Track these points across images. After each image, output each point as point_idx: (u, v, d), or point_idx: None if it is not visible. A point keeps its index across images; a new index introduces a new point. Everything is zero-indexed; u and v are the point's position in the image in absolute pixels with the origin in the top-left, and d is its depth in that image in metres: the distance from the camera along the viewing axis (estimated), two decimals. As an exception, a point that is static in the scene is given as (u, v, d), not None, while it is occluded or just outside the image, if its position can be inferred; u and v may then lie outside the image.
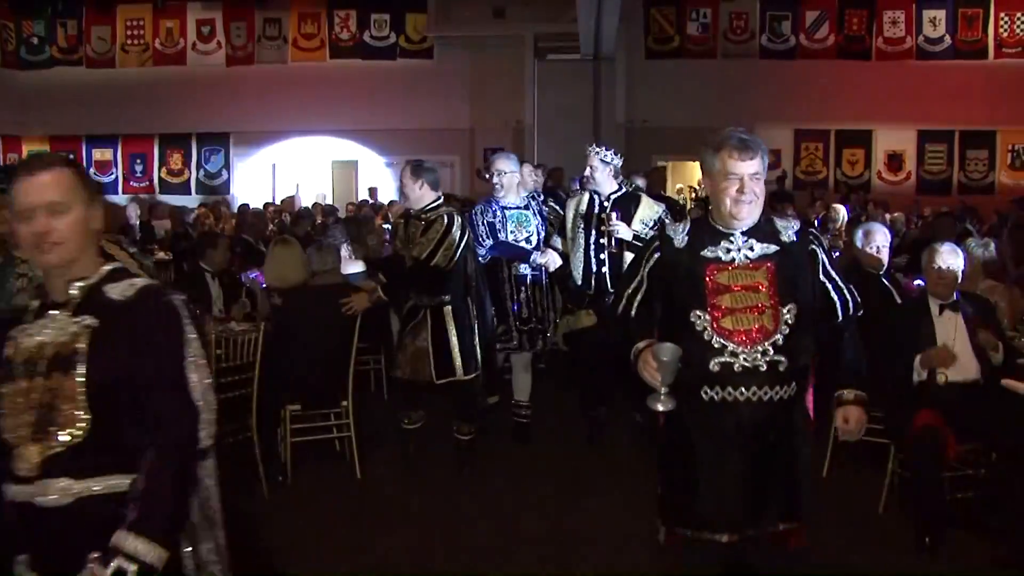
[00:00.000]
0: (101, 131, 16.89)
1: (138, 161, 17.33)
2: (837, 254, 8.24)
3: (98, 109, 16.43)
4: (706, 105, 15.11)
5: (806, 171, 16.12)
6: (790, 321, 2.85)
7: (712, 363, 2.83)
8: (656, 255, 3.02)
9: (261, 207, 12.80)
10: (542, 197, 6.41)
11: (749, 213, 2.89)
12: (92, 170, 16.94)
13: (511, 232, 5.70)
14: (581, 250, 5.44)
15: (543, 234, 5.81)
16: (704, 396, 2.86)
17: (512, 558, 4.25)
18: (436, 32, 16.08)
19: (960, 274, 4.59)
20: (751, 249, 2.91)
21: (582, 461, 5.53)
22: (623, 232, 5.25)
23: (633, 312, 3.06)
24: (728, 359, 2.83)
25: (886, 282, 5.34)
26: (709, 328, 2.85)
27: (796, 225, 3.01)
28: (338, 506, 4.83)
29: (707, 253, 2.92)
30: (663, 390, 2.74)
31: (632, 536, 4.45)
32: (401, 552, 4.29)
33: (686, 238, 2.98)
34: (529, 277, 5.78)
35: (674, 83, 15.48)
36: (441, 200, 5.23)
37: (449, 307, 5.11)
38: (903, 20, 15.48)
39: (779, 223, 3.01)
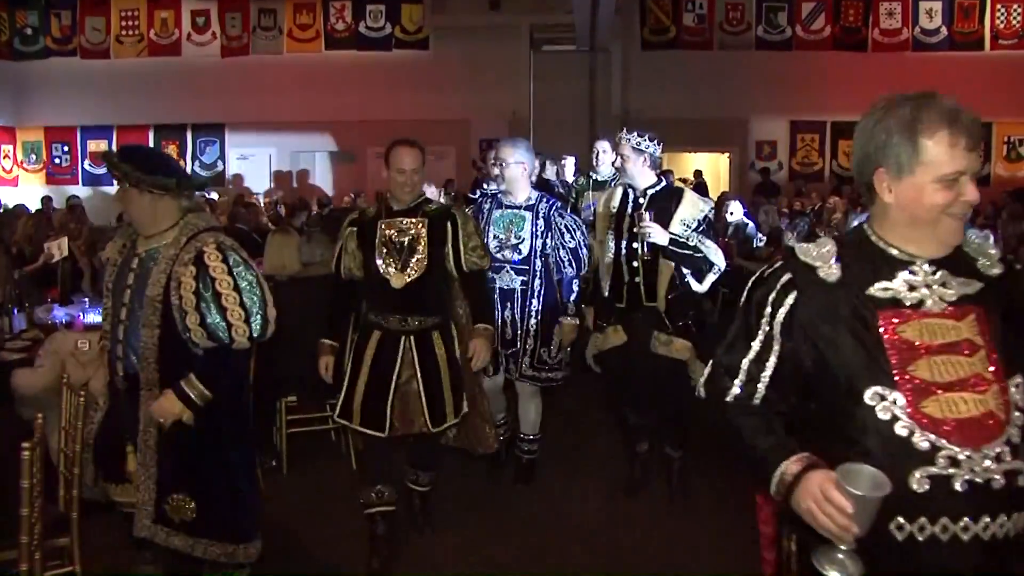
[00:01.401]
0: (96, 121, 16.84)
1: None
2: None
3: (93, 99, 16.38)
4: (702, 96, 15.14)
5: (802, 163, 16.15)
6: (1021, 403, 1.78)
7: (914, 478, 1.72)
8: (791, 296, 1.88)
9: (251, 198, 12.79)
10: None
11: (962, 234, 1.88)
12: (87, 161, 16.93)
13: (495, 235, 4.79)
14: (611, 255, 4.57)
15: (544, 244, 4.78)
16: (896, 533, 1.73)
17: (507, 548, 4.27)
18: (431, 23, 16.05)
19: None
20: (944, 286, 1.83)
21: (580, 451, 5.54)
22: (657, 236, 4.32)
23: (759, 396, 1.92)
24: (944, 471, 1.71)
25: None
26: (905, 418, 1.74)
27: (997, 248, 1.95)
28: (334, 498, 4.83)
29: (877, 292, 1.83)
30: (850, 545, 1.67)
31: (630, 526, 4.48)
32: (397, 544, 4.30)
33: (838, 267, 1.86)
34: (518, 291, 4.80)
35: (670, 74, 15.44)
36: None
37: (437, 332, 4.08)
38: (899, 11, 15.47)
39: (973, 241, 1.93)
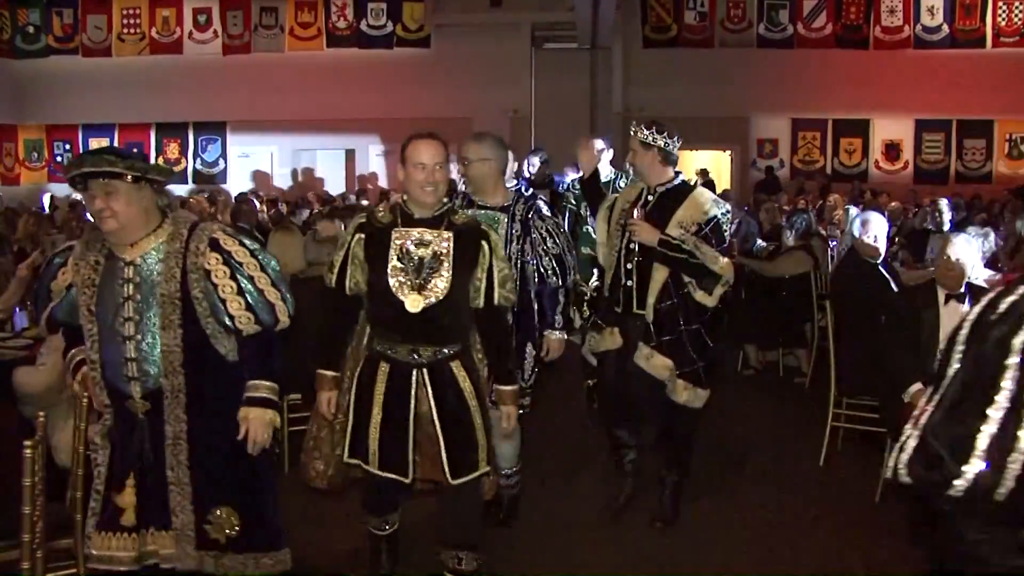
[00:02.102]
0: (98, 120, 16.84)
1: (135, 150, 17.22)
2: (834, 243, 8.30)
3: (95, 98, 16.38)
4: (703, 94, 15.12)
5: (803, 160, 16.14)
6: None
7: None
8: None
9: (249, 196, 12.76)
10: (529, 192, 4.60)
11: None
12: (88, 159, 16.93)
13: None
14: (615, 255, 4.30)
15: (521, 249, 4.14)
16: None
17: (508, 546, 4.27)
18: (433, 21, 16.04)
19: (969, 267, 4.40)
20: None
21: (577, 449, 5.54)
22: (642, 235, 4.07)
23: (1004, 489, 1.35)
24: None
25: (883, 271, 5.35)
26: None
27: None
28: (336, 497, 4.83)
29: None
30: None
31: (627, 521, 4.48)
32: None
33: None
34: None
35: (671, 72, 15.44)
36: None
37: (457, 361, 3.41)
38: (901, 9, 15.44)
39: None
